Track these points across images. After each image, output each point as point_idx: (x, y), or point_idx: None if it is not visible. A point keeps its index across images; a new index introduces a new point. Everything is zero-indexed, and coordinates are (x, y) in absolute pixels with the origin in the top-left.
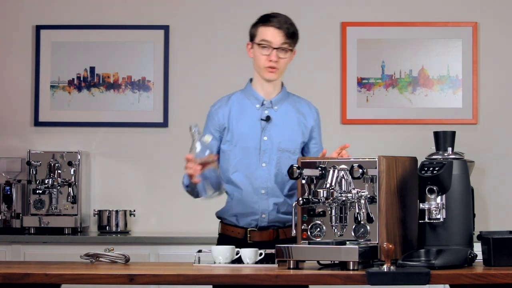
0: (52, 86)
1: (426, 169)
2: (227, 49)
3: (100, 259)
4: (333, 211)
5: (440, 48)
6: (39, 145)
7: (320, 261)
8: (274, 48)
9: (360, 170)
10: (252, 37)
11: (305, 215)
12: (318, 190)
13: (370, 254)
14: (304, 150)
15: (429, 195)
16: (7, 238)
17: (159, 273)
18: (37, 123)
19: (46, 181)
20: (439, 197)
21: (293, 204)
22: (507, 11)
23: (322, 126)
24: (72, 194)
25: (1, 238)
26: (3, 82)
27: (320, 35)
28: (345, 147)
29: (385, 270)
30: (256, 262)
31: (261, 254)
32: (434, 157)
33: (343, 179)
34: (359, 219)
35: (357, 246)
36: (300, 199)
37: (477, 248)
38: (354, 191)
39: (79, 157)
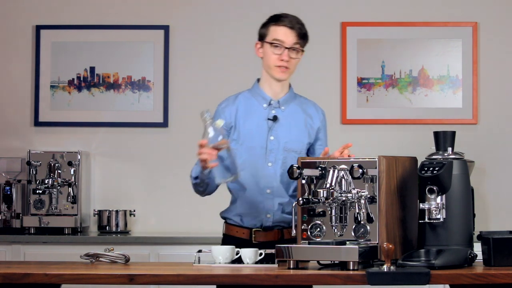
0: (52, 86)
1: (426, 169)
2: (227, 49)
3: (100, 259)
4: (333, 211)
5: (440, 48)
6: (39, 145)
7: (320, 261)
8: (286, 48)
9: (360, 170)
10: (262, 37)
11: (305, 215)
12: (318, 190)
13: (370, 254)
14: (309, 151)
15: (429, 195)
16: (7, 238)
17: (159, 273)
18: (37, 123)
19: (46, 181)
20: (439, 197)
21: (293, 204)
22: (507, 11)
23: None
24: (72, 194)
25: (1, 238)
26: (3, 82)
27: (320, 35)
28: (348, 146)
29: (385, 270)
30: (256, 262)
31: (261, 254)
32: (434, 157)
33: (343, 179)
34: (359, 219)
35: (357, 246)
36: (300, 199)
37: (477, 248)
38: (354, 191)
39: (79, 157)
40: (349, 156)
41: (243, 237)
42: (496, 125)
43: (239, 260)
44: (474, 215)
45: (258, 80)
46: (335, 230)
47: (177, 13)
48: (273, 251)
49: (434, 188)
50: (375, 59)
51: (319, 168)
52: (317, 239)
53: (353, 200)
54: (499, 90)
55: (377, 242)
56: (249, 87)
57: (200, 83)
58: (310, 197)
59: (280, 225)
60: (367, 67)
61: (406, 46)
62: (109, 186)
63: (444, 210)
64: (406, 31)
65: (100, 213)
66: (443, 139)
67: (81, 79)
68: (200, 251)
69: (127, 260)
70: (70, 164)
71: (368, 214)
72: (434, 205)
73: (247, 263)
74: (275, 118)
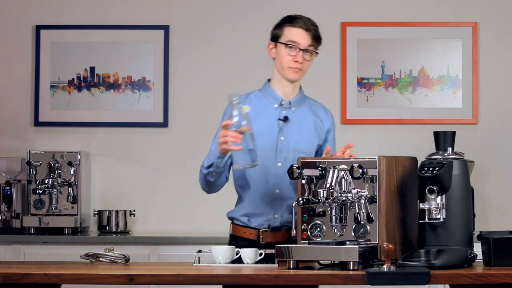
0: (52, 86)
1: (426, 169)
2: (227, 49)
3: (100, 259)
4: (333, 211)
5: (440, 48)
6: (39, 145)
7: (320, 261)
8: (301, 50)
9: (360, 170)
10: (275, 37)
11: (305, 215)
12: (318, 190)
13: (370, 254)
14: (317, 153)
15: (429, 195)
16: (7, 238)
17: (159, 273)
18: (37, 123)
19: (46, 181)
20: (439, 197)
21: (293, 204)
22: (507, 11)
23: None
24: (72, 194)
25: (1, 238)
26: (3, 82)
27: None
28: (349, 147)
29: (385, 270)
30: (256, 262)
31: (261, 254)
32: (434, 157)
33: (343, 179)
34: (359, 219)
35: (357, 246)
36: (300, 199)
37: (477, 248)
38: (354, 191)
39: (79, 157)
40: (350, 156)
41: (250, 237)
42: (496, 125)
43: (239, 260)
44: (474, 215)
45: (269, 80)
46: (335, 230)
47: (177, 13)
48: (273, 251)
49: (434, 188)
50: (375, 59)
51: (319, 168)
52: (317, 239)
53: (353, 200)
54: (499, 90)
55: (377, 242)
56: (249, 86)
57: (200, 83)
58: (310, 197)
59: (288, 225)
60: (367, 67)
61: (406, 46)
62: (109, 186)
63: (444, 210)
64: (406, 31)
65: (100, 213)
66: (443, 139)
67: (81, 79)
68: (200, 251)
69: (127, 260)
70: (70, 164)
71: (368, 214)
72: (434, 205)
73: (247, 263)
74: (285, 119)
